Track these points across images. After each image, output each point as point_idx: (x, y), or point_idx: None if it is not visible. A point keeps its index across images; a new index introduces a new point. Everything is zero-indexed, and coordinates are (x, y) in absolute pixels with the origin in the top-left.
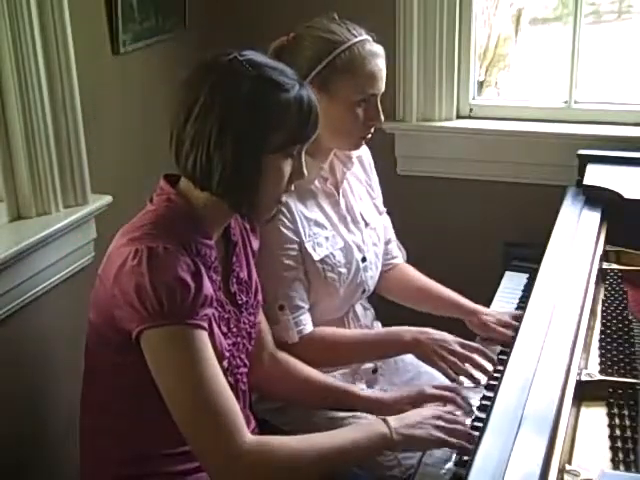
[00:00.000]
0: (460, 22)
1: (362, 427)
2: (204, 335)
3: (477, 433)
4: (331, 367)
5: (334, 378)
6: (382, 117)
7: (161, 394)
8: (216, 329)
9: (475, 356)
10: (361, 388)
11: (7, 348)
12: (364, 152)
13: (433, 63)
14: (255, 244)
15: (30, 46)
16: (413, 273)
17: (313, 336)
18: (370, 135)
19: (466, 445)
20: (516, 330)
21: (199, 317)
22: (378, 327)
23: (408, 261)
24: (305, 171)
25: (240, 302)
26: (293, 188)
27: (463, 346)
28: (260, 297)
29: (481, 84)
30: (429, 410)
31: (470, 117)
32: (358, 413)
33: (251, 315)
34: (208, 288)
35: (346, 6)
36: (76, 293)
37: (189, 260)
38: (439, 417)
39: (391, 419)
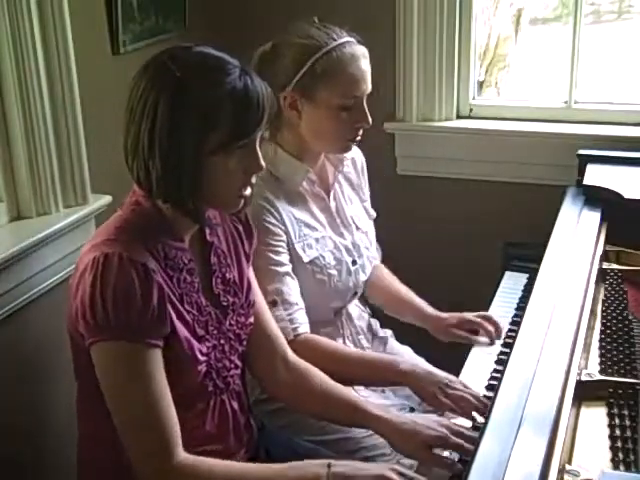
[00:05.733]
0: (460, 22)
1: (298, 466)
2: (151, 352)
3: None
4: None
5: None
6: (369, 118)
7: None
8: (186, 334)
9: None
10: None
11: (7, 348)
12: (357, 154)
13: (433, 63)
14: (248, 246)
15: (30, 46)
16: (386, 275)
17: (309, 338)
18: (359, 137)
19: None
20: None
21: (146, 334)
22: (377, 326)
23: (408, 261)
24: (262, 163)
25: (225, 303)
26: (254, 180)
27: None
28: (252, 297)
29: (481, 84)
30: (383, 465)
31: (470, 117)
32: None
33: (240, 316)
34: (159, 298)
35: (345, 7)
36: None
37: (142, 271)
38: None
39: (337, 464)
